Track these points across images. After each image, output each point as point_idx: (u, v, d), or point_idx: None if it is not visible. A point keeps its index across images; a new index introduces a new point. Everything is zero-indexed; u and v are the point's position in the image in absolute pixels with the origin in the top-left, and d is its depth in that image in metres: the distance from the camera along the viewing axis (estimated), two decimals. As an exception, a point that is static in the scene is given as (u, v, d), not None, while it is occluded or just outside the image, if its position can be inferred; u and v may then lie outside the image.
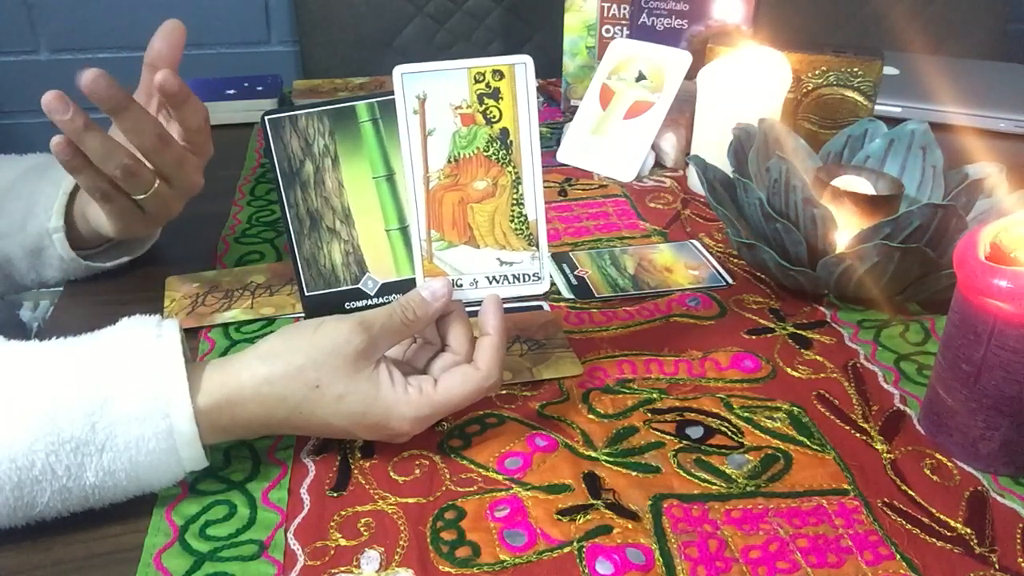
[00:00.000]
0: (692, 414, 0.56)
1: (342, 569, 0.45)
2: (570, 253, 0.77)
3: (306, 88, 1.20)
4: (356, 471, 0.51)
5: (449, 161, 0.52)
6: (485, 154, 0.52)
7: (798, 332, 0.65)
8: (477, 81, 0.51)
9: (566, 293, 0.70)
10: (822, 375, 0.60)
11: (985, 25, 1.55)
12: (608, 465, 0.52)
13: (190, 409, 0.45)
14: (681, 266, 0.75)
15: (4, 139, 1.48)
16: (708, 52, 0.93)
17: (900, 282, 0.64)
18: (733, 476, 0.51)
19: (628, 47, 0.98)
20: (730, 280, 0.72)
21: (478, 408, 0.56)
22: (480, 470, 0.51)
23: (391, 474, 0.51)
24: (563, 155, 0.97)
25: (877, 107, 0.92)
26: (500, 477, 0.51)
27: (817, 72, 0.91)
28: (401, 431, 0.50)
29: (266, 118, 0.59)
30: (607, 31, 1.06)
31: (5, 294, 0.73)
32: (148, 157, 0.59)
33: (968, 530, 0.47)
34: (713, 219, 0.84)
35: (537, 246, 0.53)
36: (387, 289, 0.62)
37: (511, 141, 0.52)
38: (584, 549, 0.46)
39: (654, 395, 0.58)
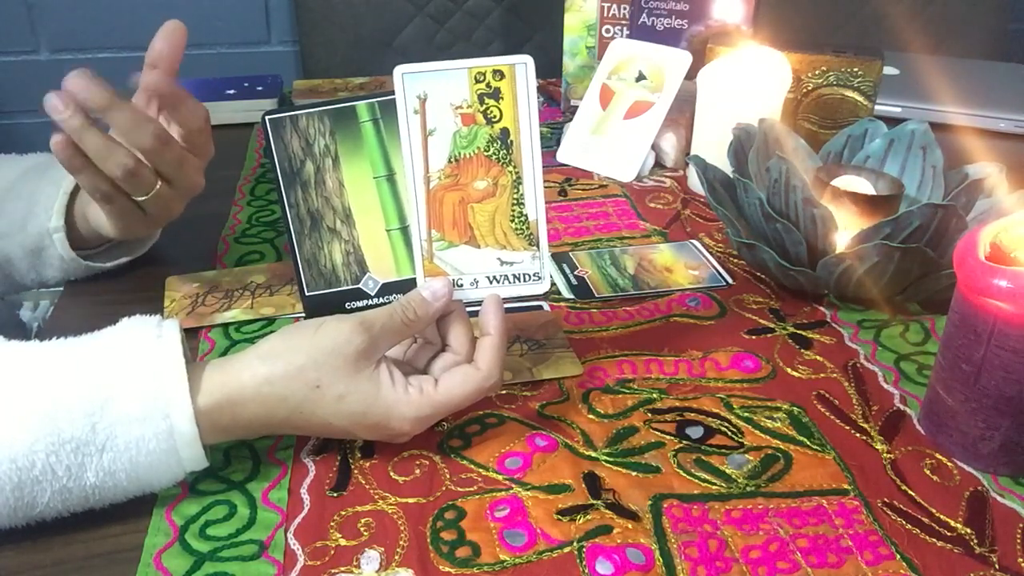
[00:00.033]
0: (692, 414, 0.56)
1: (342, 569, 0.45)
2: (570, 253, 0.77)
3: (306, 88, 1.20)
4: (356, 471, 0.51)
5: (450, 161, 0.52)
6: (485, 154, 0.52)
7: (798, 332, 0.65)
8: (478, 81, 0.51)
9: (566, 293, 0.70)
10: (822, 375, 0.60)
11: (985, 25, 1.55)
12: (608, 465, 0.52)
13: (190, 409, 0.45)
14: (681, 266, 0.75)
15: (4, 139, 1.48)
16: (708, 52, 0.93)
17: (900, 282, 0.64)
18: (733, 476, 0.51)
19: (628, 47, 0.98)
20: (730, 280, 0.72)
21: (478, 408, 0.56)
22: (480, 470, 0.51)
23: (391, 474, 0.51)
24: (563, 155, 0.97)
25: (877, 107, 0.92)
26: (500, 477, 0.51)
27: (817, 72, 0.91)
28: (402, 431, 0.50)
29: (267, 118, 0.59)
30: (607, 31, 1.06)
31: (5, 294, 0.73)
32: (148, 157, 0.59)
33: (968, 530, 0.47)
34: (713, 219, 0.84)
35: (537, 246, 0.53)
36: (388, 289, 0.62)
37: (511, 141, 0.52)
38: (584, 549, 0.46)
39: (654, 395, 0.58)
